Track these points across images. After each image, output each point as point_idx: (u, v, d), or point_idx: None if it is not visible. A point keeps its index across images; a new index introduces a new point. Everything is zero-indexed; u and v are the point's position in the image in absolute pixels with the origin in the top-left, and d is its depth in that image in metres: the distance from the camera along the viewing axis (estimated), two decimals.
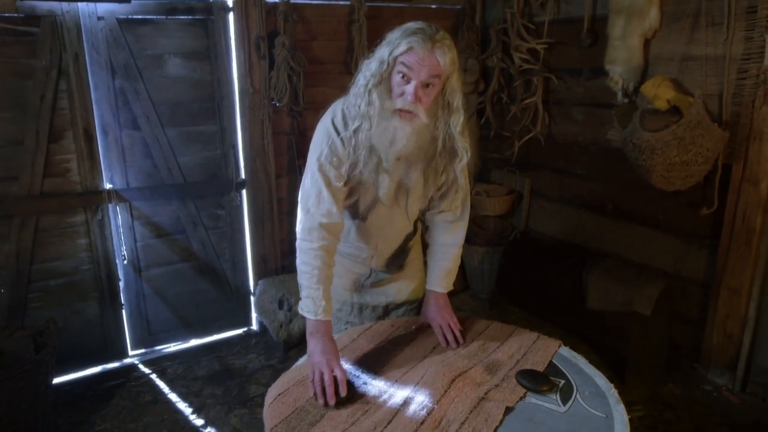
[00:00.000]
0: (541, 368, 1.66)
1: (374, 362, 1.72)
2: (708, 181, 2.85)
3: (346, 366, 1.70)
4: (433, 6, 3.90)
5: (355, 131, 1.65)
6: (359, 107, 1.62)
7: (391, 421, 1.43)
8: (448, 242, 1.93)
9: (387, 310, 2.06)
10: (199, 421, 2.80)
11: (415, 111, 1.59)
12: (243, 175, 3.46)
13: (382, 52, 1.58)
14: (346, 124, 1.67)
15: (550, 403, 1.51)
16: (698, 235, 3.02)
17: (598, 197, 3.53)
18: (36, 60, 2.80)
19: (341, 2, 3.49)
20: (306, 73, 3.36)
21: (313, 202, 1.69)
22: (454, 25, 3.96)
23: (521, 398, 1.52)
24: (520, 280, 3.80)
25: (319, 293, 1.67)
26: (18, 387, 2.35)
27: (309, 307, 1.66)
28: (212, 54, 3.24)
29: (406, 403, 1.50)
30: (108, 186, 3.11)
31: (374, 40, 3.86)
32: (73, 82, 2.89)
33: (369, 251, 1.96)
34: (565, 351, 1.78)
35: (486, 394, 1.52)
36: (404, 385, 1.58)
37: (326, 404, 1.49)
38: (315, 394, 1.53)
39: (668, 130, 2.68)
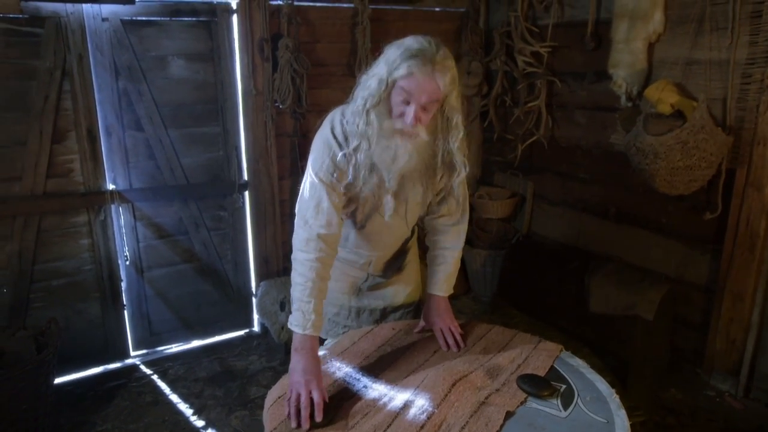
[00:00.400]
0: (542, 373, 1.65)
1: (375, 365, 1.72)
2: (711, 185, 2.84)
3: (347, 369, 1.70)
4: (437, 9, 3.90)
5: (355, 150, 1.64)
6: (358, 126, 1.60)
7: (390, 424, 1.43)
8: (449, 246, 1.93)
9: (384, 314, 2.06)
10: (199, 422, 2.80)
11: (415, 131, 1.58)
12: (245, 177, 3.47)
13: (381, 71, 1.54)
14: (346, 137, 1.66)
15: (551, 408, 1.50)
16: (701, 240, 3.01)
17: (601, 201, 3.52)
18: (40, 61, 2.81)
19: (345, 5, 3.49)
20: (309, 75, 3.37)
21: (311, 214, 1.66)
22: (458, 28, 3.96)
23: (522, 403, 1.51)
24: (522, 284, 3.79)
25: (310, 306, 1.62)
26: (19, 387, 2.35)
27: (298, 320, 1.62)
28: (216, 56, 3.25)
29: (406, 406, 1.49)
30: (111, 187, 3.11)
31: (378, 42, 3.85)
32: (77, 83, 2.90)
33: (367, 257, 1.96)
34: (567, 355, 1.78)
35: (486, 398, 1.51)
36: (404, 389, 1.58)
37: (299, 426, 1.42)
38: (288, 414, 1.46)
39: (672, 135, 2.67)
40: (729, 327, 2.89)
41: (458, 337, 1.83)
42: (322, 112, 3.68)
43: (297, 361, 1.56)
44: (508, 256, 3.93)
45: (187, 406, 2.93)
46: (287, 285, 3.14)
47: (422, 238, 2.06)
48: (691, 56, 2.84)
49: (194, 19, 3.14)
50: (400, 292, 2.05)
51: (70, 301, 3.12)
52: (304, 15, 3.37)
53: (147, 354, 3.41)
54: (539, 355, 1.75)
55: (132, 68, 3.03)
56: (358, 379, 1.65)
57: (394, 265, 2.02)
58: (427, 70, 1.49)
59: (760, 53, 2.59)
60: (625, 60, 3.03)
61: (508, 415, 1.45)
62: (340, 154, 1.65)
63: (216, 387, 3.09)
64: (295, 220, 1.73)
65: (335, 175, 1.67)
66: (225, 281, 3.57)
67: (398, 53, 1.51)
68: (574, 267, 3.38)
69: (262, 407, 1.62)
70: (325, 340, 2.02)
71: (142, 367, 3.29)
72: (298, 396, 1.47)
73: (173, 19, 3.09)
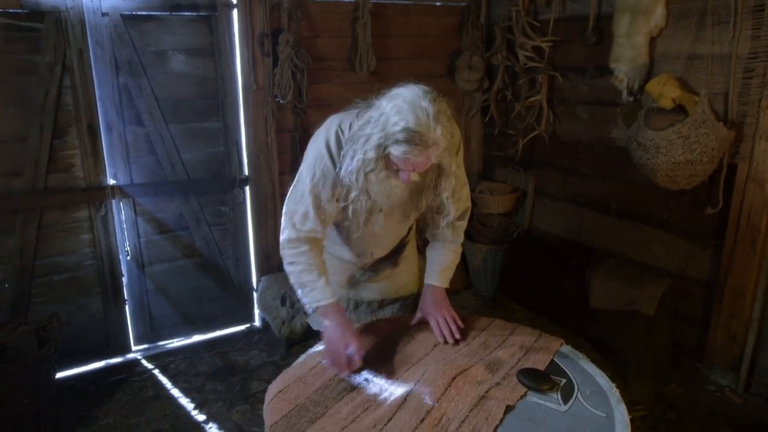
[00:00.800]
0: (542, 367, 1.65)
1: (375, 359, 1.72)
2: (713, 180, 2.83)
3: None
4: (438, 3, 3.89)
5: (354, 201, 1.71)
6: (357, 181, 1.64)
7: (391, 418, 1.43)
8: (447, 240, 1.94)
9: (382, 305, 2.09)
10: (201, 417, 2.81)
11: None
12: (246, 172, 3.46)
13: (379, 135, 1.54)
14: (340, 148, 1.69)
15: (551, 402, 1.50)
16: (702, 235, 3.01)
17: (602, 196, 3.52)
18: (40, 56, 2.80)
19: None
20: (310, 70, 3.36)
21: (299, 219, 1.75)
22: (459, 23, 3.95)
23: (522, 397, 1.52)
24: (523, 279, 3.79)
25: (322, 282, 1.76)
26: (21, 381, 2.35)
27: (318, 296, 1.74)
28: (216, 51, 3.24)
29: (407, 400, 1.50)
30: (111, 182, 3.11)
31: (378, 37, 3.84)
32: (77, 78, 2.89)
33: (364, 255, 2.01)
34: (567, 350, 1.78)
35: (486, 392, 1.51)
36: (405, 383, 1.58)
37: (339, 375, 1.62)
38: (332, 367, 1.64)
39: (673, 129, 2.66)
40: (730, 322, 2.89)
41: (454, 328, 1.83)
42: (322, 107, 3.71)
43: (330, 322, 1.71)
44: (509, 251, 3.93)
45: (188, 400, 2.94)
46: (288, 280, 3.17)
47: (422, 232, 2.08)
48: (692, 50, 2.83)
49: (194, 13, 3.14)
50: (397, 284, 2.07)
51: (71, 296, 3.13)
52: (304, 9, 3.36)
53: (148, 349, 3.42)
54: (539, 349, 1.75)
55: (132, 63, 3.03)
56: (359, 373, 1.65)
57: (390, 259, 2.05)
58: (421, 151, 1.52)
59: (762, 47, 2.58)
60: (627, 54, 3.02)
61: (508, 408, 1.46)
62: (331, 167, 1.70)
63: (217, 382, 3.09)
64: (283, 219, 1.79)
65: (326, 186, 1.72)
66: (226, 276, 3.57)
67: (398, 128, 1.50)
68: (575, 262, 3.38)
69: (263, 402, 1.63)
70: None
71: (144, 361, 3.30)
72: (336, 348, 1.65)
73: (173, 13, 3.08)
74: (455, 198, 1.80)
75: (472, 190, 4.17)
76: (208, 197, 3.41)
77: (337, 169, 1.68)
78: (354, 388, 1.59)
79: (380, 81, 3.93)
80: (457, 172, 1.76)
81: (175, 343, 3.49)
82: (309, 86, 3.38)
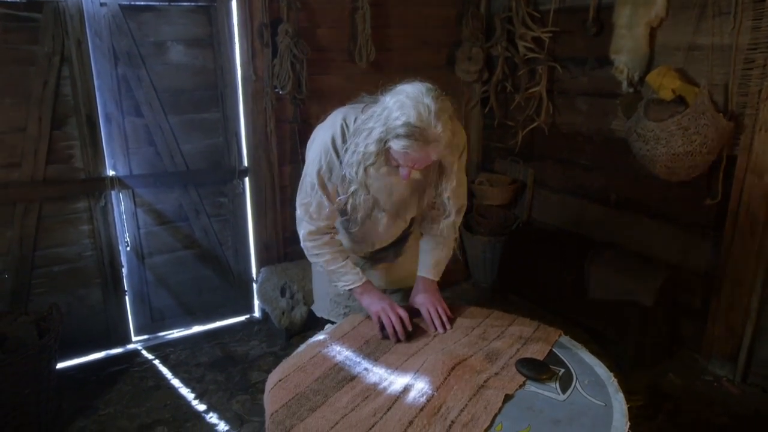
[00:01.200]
0: (541, 357, 1.66)
1: (375, 349, 1.73)
2: (712, 171, 2.83)
3: (347, 353, 1.72)
4: None
5: (353, 194, 1.74)
6: (356, 174, 1.66)
7: (390, 407, 1.44)
8: (442, 234, 1.96)
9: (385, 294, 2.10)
10: (201, 407, 2.82)
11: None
12: (245, 163, 3.46)
13: (381, 129, 1.56)
14: (344, 142, 1.72)
15: (550, 391, 1.51)
16: (701, 226, 3.01)
17: (602, 187, 3.52)
18: (38, 46, 2.79)
19: None
20: (309, 60, 3.35)
21: (314, 210, 1.82)
22: (459, 13, 3.93)
23: (521, 386, 1.53)
24: (522, 270, 3.80)
25: (350, 265, 1.91)
26: (21, 372, 2.36)
27: (353, 278, 1.89)
28: (215, 41, 3.23)
29: (406, 390, 1.51)
30: (111, 173, 3.11)
31: (378, 28, 3.82)
32: (76, 69, 2.88)
33: (367, 246, 2.05)
34: (566, 340, 1.79)
35: (485, 382, 1.52)
36: (404, 373, 1.59)
37: (398, 340, 1.76)
38: (385, 336, 1.78)
39: (673, 120, 2.66)
40: (728, 313, 2.91)
41: (444, 318, 1.87)
42: (322, 98, 3.70)
43: (370, 297, 1.87)
44: (508, 242, 3.93)
45: (188, 390, 2.95)
46: (288, 271, 3.21)
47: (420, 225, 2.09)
48: (693, 41, 2.82)
49: (193, 4, 3.12)
50: (400, 274, 2.09)
51: (71, 287, 3.13)
52: (303, 0, 3.35)
53: (148, 339, 3.43)
54: (538, 339, 1.76)
55: (131, 54, 3.02)
56: (359, 363, 1.66)
57: (392, 249, 2.07)
58: (421, 147, 1.54)
59: (762, 38, 2.57)
60: (627, 45, 3.01)
61: (507, 398, 1.47)
62: (337, 162, 1.73)
63: (217, 372, 3.11)
64: (298, 214, 1.85)
65: (333, 179, 1.77)
66: (226, 267, 3.58)
67: (399, 123, 1.52)
68: (574, 253, 3.38)
69: (263, 392, 1.64)
70: (327, 323, 2.05)
71: (144, 352, 3.31)
72: (389, 317, 1.78)
73: (172, 4, 3.07)
74: (454, 197, 1.82)
75: (471, 182, 4.19)
76: (207, 188, 3.40)
77: (340, 162, 1.70)
78: (354, 377, 1.60)
79: (380, 72, 3.95)
80: (458, 174, 1.78)
81: (175, 333, 3.50)
82: (308, 77, 3.36)
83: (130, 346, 3.35)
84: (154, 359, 3.24)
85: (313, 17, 3.42)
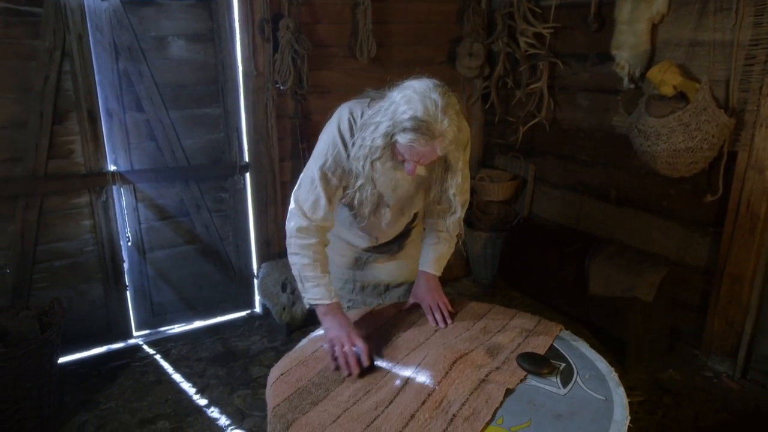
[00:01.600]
0: (542, 351, 1.67)
1: (376, 344, 1.74)
2: (713, 168, 2.84)
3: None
4: None
5: (360, 188, 1.72)
6: (363, 168, 1.66)
7: (392, 401, 1.45)
8: (444, 229, 1.96)
9: (388, 288, 2.11)
10: (202, 401, 2.83)
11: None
12: (246, 159, 3.46)
13: (388, 123, 1.56)
14: (352, 136, 1.71)
15: (551, 385, 1.52)
16: (702, 223, 3.02)
17: (602, 183, 3.52)
18: (39, 41, 2.79)
19: None
20: (310, 56, 3.34)
21: (309, 207, 1.75)
22: (460, 9, 3.93)
23: (522, 380, 1.53)
24: (523, 266, 3.80)
25: (327, 280, 1.76)
26: (24, 366, 2.37)
27: (322, 294, 1.74)
28: (216, 36, 3.22)
29: (408, 383, 1.51)
30: (112, 168, 3.11)
31: (379, 23, 3.82)
32: (77, 64, 2.88)
33: (370, 240, 2.04)
34: (566, 335, 1.79)
35: (487, 376, 1.53)
36: (406, 367, 1.60)
37: (350, 374, 1.57)
38: (337, 367, 1.59)
39: (674, 116, 2.66)
40: (728, 309, 2.91)
41: (446, 313, 1.87)
42: (323, 93, 3.70)
43: (331, 321, 1.71)
44: (508, 238, 3.94)
45: (189, 385, 2.96)
46: (289, 267, 3.20)
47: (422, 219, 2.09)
48: (694, 37, 2.82)
49: None
50: (403, 268, 2.10)
51: (72, 281, 3.14)
52: None
53: (149, 334, 3.44)
54: (539, 334, 1.77)
55: (132, 49, 3.01)
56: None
57: (396, 242, 2.08)
58: (427, 141, 1.54)
59: (764, 34, 2.57)
60: (629, 41, 3.01)
61: (508, 392, 1.47)
62: (344, 153, 1.72)
63: (218, 367, 3.12)
64: (291, 207, 1.80)
65: (336, 174, 1.75)
66: (227, 262, 3.58)
67: (406, 116, 1.52)
68: (574, 249, 3.39)
69: (264, 387, 1.64)
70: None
71: (145, 347, 3.32)
72: (343, 346, 1.62)
73: None
74: (459, 193, 1.81)
75: (472, 178, 4.18)
76: (208, 183, 3.41)
77: (348, 155, 1.70)
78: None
79: (381, 67, 3.94)
80: (463, 169, 1.78)
81: (176, 328, 3.51)
82: (309, 72, 3.36)
83: (132, 341, 3.36)
84: (155, 354, 3.25)
85: (314, 12, 3.41)
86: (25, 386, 2.41)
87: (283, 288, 3.33)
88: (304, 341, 1.81)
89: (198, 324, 3.56)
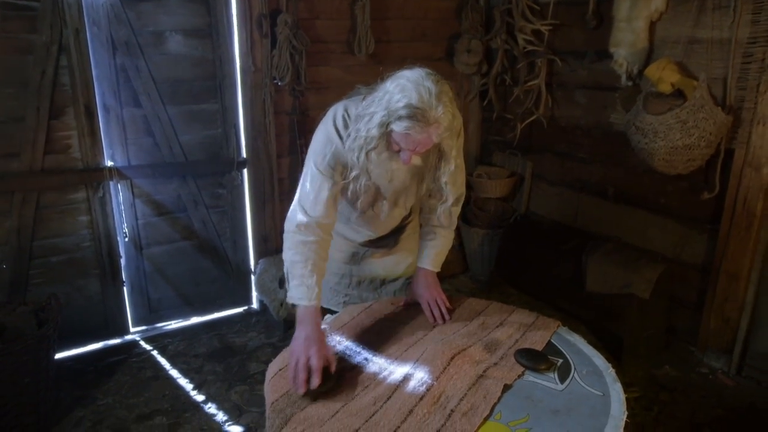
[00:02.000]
0: (539, 347, 1.67)
1: (374, 339, 1.74)
2: (710, 165, 2.85)
3: (346, 343, 1.72)
4: None
5: (355, 179, 1.72)
6: (358, 159, 1.66)
7: (390, 396, 1.45)
8: (441, 224, 1.97)
9: (383, 283, 2.11)
10: (199, 397, 2.83)
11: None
12: (244, 155, 3.46)
13: (382, 113, 1.56)
14: (347, 127, 1.71)
15: (548, 381, 1.53)
16: (698, 220, 3.03)
17: (600, 181, 3.53)
18: (36, 35, 2.77)
19: None
20: (308, 52, 3.34)
21: (310, 204, 1.74)
22: (459, 6, 3.92)
23: (519, 376, 1.54)
24: (520, 263, 3.81)
25: (313, 281, 1.68)
26: (20, 361, 2.36)
27: (302, 293, 1.66)
28: (214, 32, 3.21)
29: (406, 379, 1.52)
30: (109, 163, 3.10)
31: (377, 19, 3.81)
32: (74, 58, 2.87)
33: (367, 235, 2.04)
34: (564, 331, 1.80)
35: (485, 371, 1.53)
36: (404, 362, 1.60)
37: (299, 391, 1.47)
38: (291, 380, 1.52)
39: (671, 114, 2.67)
40: (723, 306, 2.93)
41: (444, 310, 1.87)
42: (321, 89, 3.69)
43: (300, 331, 1.61)
44: (505, 235, 3.95)
45: (187, 381, 2.96)
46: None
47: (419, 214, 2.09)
48: (692, 35, 2.83)
49: None
50: (400, 262, 2.10)
51: (69, 277, 3.13)
52: None
53: (146, 330, 3.43)
54: (537, 330, 1.77)
55: (129, 44, 3.00)
56: (358, 353, 1.67)
57: (392, 237, 2.09)
58: (423, 128, 1.54)
59: (761, 32, 2.57)
60: (627, 39, 3.01)
61: (506, 387, 1.48)
62: (340, 147, 1.71)
63: (216, 363, 3.12)
64: (293, 205, 1.79)
65: (335, 168, 1.74)
66: (224, 258, 3.58)
67: (401, 104, 1.52)
68: (571, 246, 3.40)
69: (261, 382, 1.64)
70: (326, 313, 2.06)
71: (142, 343, 3.32)
72: (297, 362, 1.52)
73: None
74: (452, 183, 1.82)
75: (469, 174, 4.19)
76: (206, 179, 3.40)
77: (345, 148, 1.70)
78: (354, 367, 1.61)
79: (379, 64, 3.93)
80: (456, 157, 1.78)
81: (173, 324, 3.51)
82: (307, 68, 3.35)
83: (129, 337, 3.36)
84: (152, 350, 3.25)
85: (313, 8, 3.40)
86: (22, 382, 2.40)
87: (281, 284, 3.33)
88: None
89: (195, 320, 3.56)
